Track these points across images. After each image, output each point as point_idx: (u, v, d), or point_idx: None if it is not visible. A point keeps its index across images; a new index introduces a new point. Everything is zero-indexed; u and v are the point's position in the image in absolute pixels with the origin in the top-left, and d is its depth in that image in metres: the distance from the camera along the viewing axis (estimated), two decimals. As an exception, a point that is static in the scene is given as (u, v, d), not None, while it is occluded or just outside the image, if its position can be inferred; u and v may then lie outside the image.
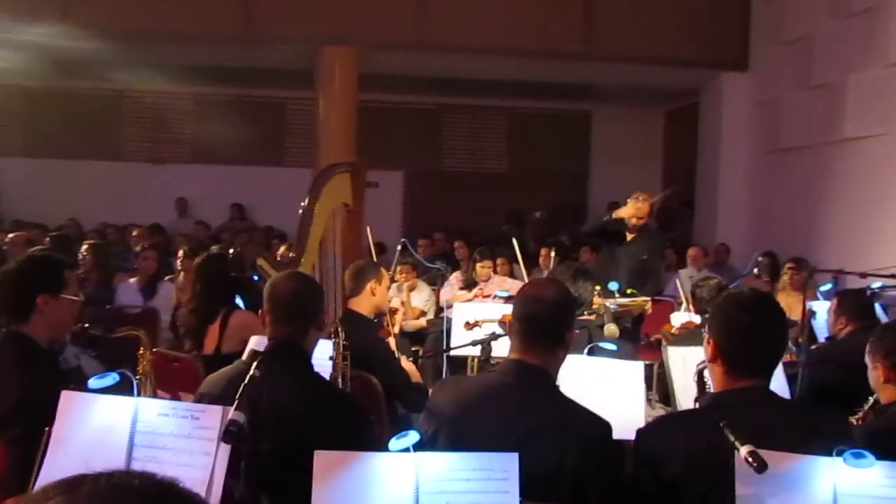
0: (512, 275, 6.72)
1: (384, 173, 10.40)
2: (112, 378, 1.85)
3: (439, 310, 6.12)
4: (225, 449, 1.73)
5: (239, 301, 3.77)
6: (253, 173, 10.73)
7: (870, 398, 2.47)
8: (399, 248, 6.60)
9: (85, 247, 5.55)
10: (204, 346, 3.64)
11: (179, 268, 5.61)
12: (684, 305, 4.75)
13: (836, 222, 7.28)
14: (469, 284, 6.37)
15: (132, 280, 5.65)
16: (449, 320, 4.32)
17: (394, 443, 1.67)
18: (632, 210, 5.43)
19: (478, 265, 6.38)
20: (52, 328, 2.35)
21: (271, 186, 10.67)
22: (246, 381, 1.80)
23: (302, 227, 3.95)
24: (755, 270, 6.90)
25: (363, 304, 3.38)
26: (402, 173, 11.31)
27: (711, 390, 1.96)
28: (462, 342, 3.81)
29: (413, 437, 1.69)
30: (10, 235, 6.15)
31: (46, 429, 1.85)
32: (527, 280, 5.59)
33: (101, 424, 1.83)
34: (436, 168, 11.48)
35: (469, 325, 3.66)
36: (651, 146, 11.46)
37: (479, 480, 1.67)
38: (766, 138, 8.69)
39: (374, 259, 4.75)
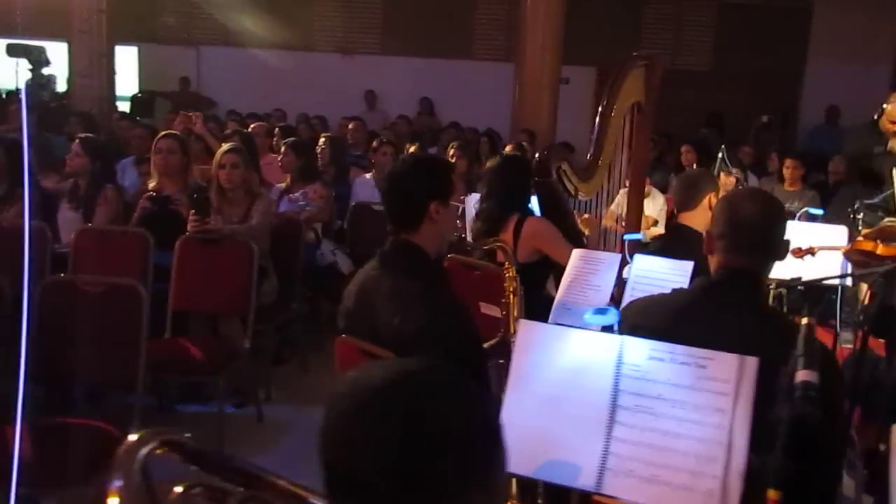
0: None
1: (575, 69, 9.83)
2: (613, 315, 1.60)
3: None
4: (745, 408, 1.47)
5: (534, 208, 3.52)
6: (441, 66, 10.42)
7: None
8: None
9: (323, 140, 5.46)
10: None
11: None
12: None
13: None
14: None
15: (367, 175, 5.56)
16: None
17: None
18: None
19: (722, 174, 5.84)
20: (440, 238, 2.15)
21: (459, 81, 10.35)
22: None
23: (600, 129, 3.60)
24: None
25: (697, 219, 3.03)
26: (595, 69, 10.64)
27: None
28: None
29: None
30: (254, 125, 6.18)
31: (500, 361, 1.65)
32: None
33: (573, 363, 1.61)
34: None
35: (799, 252, 3.24)
36: (880, 44, 10.13)
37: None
38: None
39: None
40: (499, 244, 2.35)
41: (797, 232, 3.88)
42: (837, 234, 3.82)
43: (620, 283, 2.91)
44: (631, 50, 11.67)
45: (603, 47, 10.50)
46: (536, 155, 3.52)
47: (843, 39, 9.95)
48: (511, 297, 2.32)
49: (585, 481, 1.53)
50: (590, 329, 1.61)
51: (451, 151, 5.57)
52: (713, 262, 1.93)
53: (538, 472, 1.58)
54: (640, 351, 1.57)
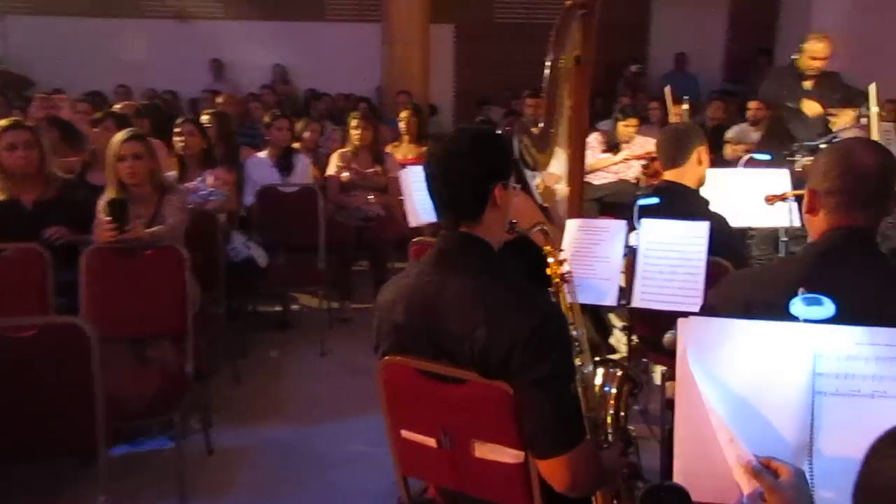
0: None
1: (433, 27, 9.53)
2: (831, 306, 1.31)
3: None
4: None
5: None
6: (292, 30, 9.70)
7: None
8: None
9: (207, 117, 4.79)
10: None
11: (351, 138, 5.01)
12: None
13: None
14: (612, 146, 5.83)
15: (261, 154, 4.98)
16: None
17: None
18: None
19: (620, 124, 5.83)
20: (503, 227, 1.80)
21: (312, 45, 9.71)
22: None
23: (550, 93, 3.34)
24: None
25: (688, 175, 2.87)
26: (453, 26, 10.38)
27: None
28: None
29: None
30: (120, 105, 5.31)
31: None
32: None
33: (760, 361, 1.35)
34: (489, 20, 10.55)
35: (773, 199, 3.19)
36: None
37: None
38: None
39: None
40: (541, 227, 2.04)
41: (745, 178, 3.91)
42: (782, 178, 3.86)
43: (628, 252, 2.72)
44: (485, 6, 11.51)
45: (459, 4, 10.28)
46: (498, 131, 3.17)
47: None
48: (561, 286, 2.02)
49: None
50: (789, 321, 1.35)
51: (354, 122, 5.10)
52: (818, 221, 1.73)
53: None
54: (836, 339, 1.33)
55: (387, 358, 1.79)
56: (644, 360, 3.06)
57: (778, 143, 4.96)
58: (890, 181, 1.70)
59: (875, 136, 3.96)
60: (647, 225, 2.64)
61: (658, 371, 3.28)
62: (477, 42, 10.49)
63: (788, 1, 9.16)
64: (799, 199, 3.27)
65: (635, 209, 2.63)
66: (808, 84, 5.00)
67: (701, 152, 2.88)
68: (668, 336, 2.44)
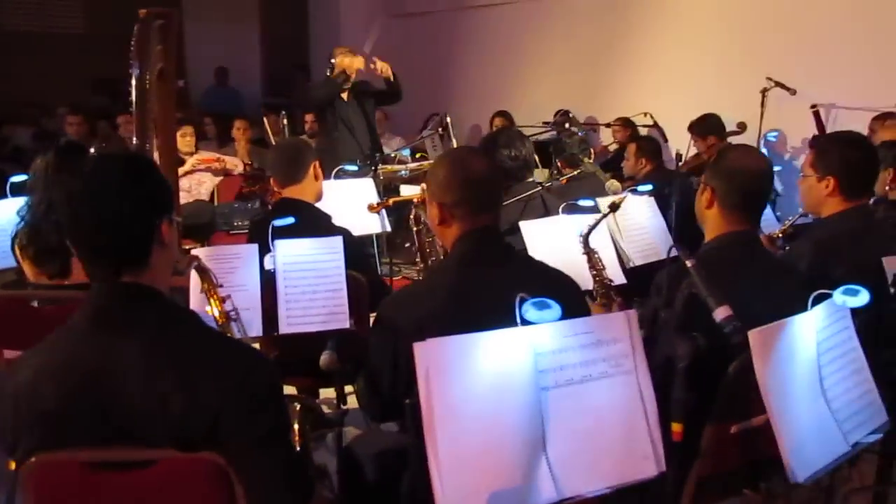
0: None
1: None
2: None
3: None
4: (643, 359, 1.49)
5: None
6: None
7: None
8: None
9: None
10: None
11: None
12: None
13: (474, 82, 8.20)
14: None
15: None
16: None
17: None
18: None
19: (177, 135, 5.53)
20: (170, 269, 1.52)
21: None
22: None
23: (140, 105, 2.97)
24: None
25: (308, 191, 2.83)
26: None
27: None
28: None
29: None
30: None
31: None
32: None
33: (492, 369, 1.37)
34: (-3, 28, 8.99)
35: (375, 207, 3.36)
36: (247, 8, 10.81)
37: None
38: (390, 1, 9.07)
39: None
40: (197, 263, 1.78)
41: (341, 190, 4.02)
42: (368, 186, 4.07)
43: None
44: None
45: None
46: (92, 150, 2.69)
47: (212, 3, 10.27)
48: (228, 325, 1.81)
49: (548, 496, 1.37)
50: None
51: None
52: (451, 231, 1.85)
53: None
54: (547, 336, 1.43)
55: (35, 459, 1.37)
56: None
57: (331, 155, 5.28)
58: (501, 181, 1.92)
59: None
60: (282, 245, 2.52)
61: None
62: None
63: (317, 17, 9.77)
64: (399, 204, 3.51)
65: (269, 230, 2.48)
66: (345, 96, 5.45)
67: (316, 167, 2.87)
68: (324, 357, 2.38)
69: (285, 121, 5.76)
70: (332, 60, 5.37)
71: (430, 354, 1.34)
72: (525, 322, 1.39)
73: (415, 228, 2.60)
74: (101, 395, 1.35)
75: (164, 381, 1.34)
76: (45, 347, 1.43)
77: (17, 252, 2.61)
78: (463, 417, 1.34)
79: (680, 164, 4.96)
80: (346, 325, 2.47)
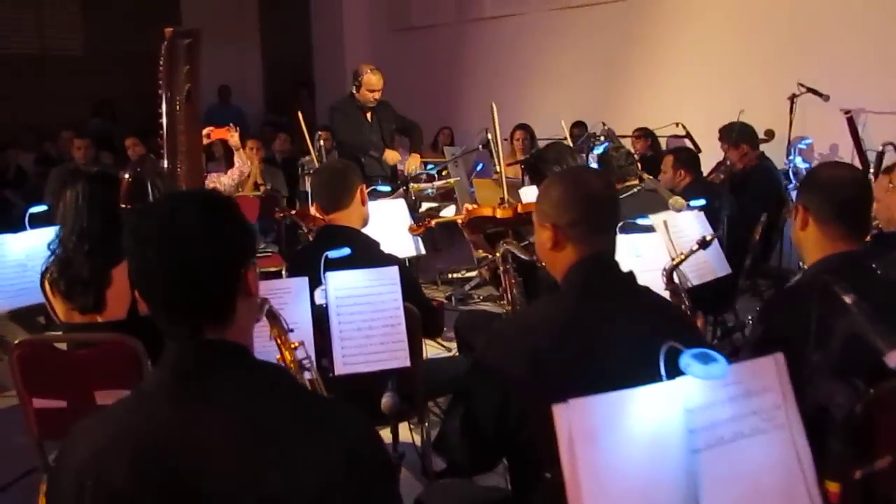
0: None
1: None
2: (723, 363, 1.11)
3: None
4: (795, 409, 1.30)
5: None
6: None
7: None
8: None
9: None
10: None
11: None
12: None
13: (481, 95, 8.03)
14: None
15: None
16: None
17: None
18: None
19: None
20: (253, 323, 1.33)
21: None
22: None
23: (171, 132, 2.82)
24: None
25: (354, 217, 2.63)
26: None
27: None
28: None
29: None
30: None
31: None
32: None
33: (642, 429, 1.18)
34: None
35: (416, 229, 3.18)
36: (248, 27, 10.64)
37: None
38: (393, 16, 8.93)
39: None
40: (269, 307, 1.58)
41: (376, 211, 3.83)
42: (400, 207, 3.88)
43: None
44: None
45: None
46: (126, 175, 2.51)
47: (212, 22, 10.10)
48: (301, 374, 1.61)
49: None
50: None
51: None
52: (564, 256, 1.66)
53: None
54: (696, 390, 1.24)
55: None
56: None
57: None
58: (618, 202, 1.74)
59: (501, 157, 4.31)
60: (334, 278, 2.32)
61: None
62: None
63: (321, 37, 9.62)
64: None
65: (322, 261, 2.28)
66: (368, 115, 5.31)
67: (362, 190, 2.68)
68: (386, 399, 2.18)
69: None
70: (359, 79, 5.23)
71: (574, 417, 1.14)
72: (671, 375, 1.20)
73: (501, 268, 2.39)
74: (183, 474, 1.15)
75: (259, 458, 1.14)
76: (115, 414, 1.23)
77: (47, 288, 2.41)
78: (612, 489, 1.15)
79: (720, 174, 4.79)
80: (407, 363, 2.28)
